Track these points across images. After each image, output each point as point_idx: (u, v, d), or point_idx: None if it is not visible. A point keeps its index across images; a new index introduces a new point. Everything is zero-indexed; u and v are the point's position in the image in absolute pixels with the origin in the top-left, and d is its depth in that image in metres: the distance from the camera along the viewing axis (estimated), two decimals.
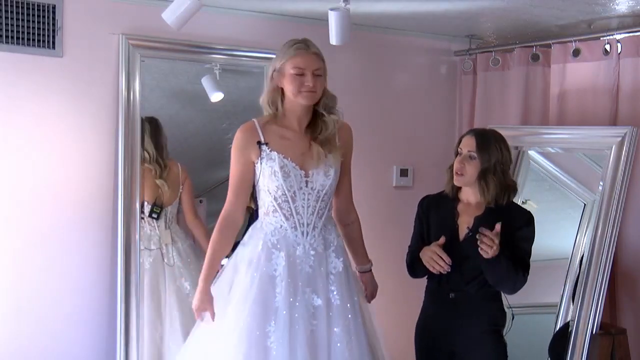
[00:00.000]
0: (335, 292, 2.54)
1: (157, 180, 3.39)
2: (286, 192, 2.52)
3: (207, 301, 2.54)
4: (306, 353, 2.42)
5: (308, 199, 2.55)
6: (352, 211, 2.81)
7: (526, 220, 2.78)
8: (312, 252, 2.54)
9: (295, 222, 2.54)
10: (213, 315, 2.54)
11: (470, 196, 2.82)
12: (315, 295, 2.51)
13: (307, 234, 2.55)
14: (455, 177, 2.80)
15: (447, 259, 2.68)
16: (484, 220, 2.72)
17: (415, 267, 2.88)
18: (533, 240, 2.78)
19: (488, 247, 2.58)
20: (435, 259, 2.70)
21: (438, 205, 2.89)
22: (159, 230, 3.41)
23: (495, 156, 2.74)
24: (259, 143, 2.54)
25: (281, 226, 2.55)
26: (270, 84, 2.59)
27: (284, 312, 2.44)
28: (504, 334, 2.82)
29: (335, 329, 2.50)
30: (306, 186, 2.55)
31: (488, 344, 2.75)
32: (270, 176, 2.52)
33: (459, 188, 2.86)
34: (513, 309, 2.94)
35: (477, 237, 2.61)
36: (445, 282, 2.77)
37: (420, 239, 2.91)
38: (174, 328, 3.33)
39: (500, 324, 2.82)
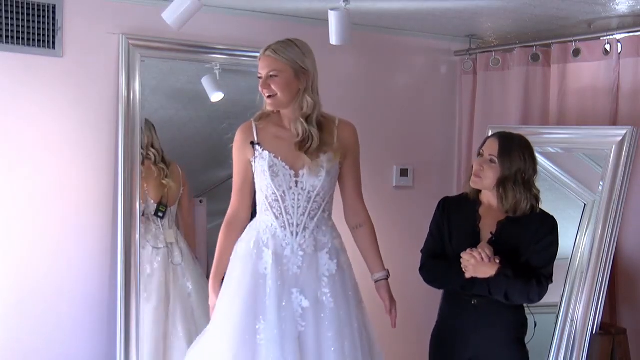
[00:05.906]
0: (329, 295, 2.50)
1: (164, 180, 3.41)
2: (275, 191, 2.51)
3: (212, 298, 2.61)
4: (296, 352, 2.40)
5: (298, 199, 2.53)
6: (360, 214, 2.71)
7: (550, 227, 2.68)
8: (301, 253, 2.51)
9: (285, 221, 2.52)
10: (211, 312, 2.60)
11: (491, 199, 2.71)
12: (304, 296, 2.48)
13: (297, 234, 2.53)
14: (473, 178, 2.71)
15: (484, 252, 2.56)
16: (507, 225, 2.66)
17: (435, 274, 2.78)
18: (557, 246, 2.69)
19: (470, 264, 2.55)
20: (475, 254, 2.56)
21: (459, 207, 2.78)
22: (164, 229, 3.43)
23: (517, 165, 2.62)
24: (252, 143, 2.55)
25: (271, 225, 2.54)
26: None
27: (273, 311, 2.43)
28: (526, 341, 2.75)
29: (328, 334, 2.46)
30: (296, 186, 2.53)
31: (510, 353, 2.68)
32: (260, 175, 2.53)
33: (479, 189, 2.77)
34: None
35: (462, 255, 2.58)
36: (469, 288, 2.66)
37: (440, 243, 2.78)
38: (176, 327, 3.35)
39: (522, 332, 2.74)
